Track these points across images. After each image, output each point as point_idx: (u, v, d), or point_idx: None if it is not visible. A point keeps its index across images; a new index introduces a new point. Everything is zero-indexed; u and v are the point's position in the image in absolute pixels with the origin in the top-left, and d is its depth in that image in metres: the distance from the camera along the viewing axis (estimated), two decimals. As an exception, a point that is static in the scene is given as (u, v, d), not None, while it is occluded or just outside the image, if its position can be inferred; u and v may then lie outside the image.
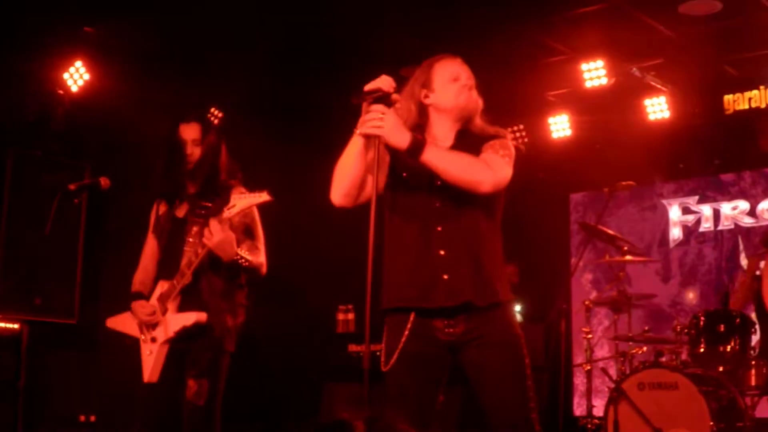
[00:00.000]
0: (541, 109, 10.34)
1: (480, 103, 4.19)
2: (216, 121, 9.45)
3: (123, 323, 5.26)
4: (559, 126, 10.33)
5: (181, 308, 5.01)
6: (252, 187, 5.05)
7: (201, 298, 5.01)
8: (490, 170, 3.96)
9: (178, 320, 4.99)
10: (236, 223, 5.06)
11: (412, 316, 4.01)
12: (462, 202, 4.00)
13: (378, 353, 4.01)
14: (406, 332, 4.00)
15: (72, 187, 5.22)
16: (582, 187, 10.95)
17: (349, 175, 4.04)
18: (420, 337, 4.01)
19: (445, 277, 3.97)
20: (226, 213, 4.91)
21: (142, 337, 5.11)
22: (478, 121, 4.19)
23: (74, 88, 8.65)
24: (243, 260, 5.07)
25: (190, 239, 5.03)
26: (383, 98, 3.92)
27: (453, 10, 8.03)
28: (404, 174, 4.10)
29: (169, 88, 9.20)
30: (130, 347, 5.21)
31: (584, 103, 10.06)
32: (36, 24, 8.02)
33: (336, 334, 9.68)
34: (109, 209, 8.81)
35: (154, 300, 5.09)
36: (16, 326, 8.16)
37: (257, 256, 5.20)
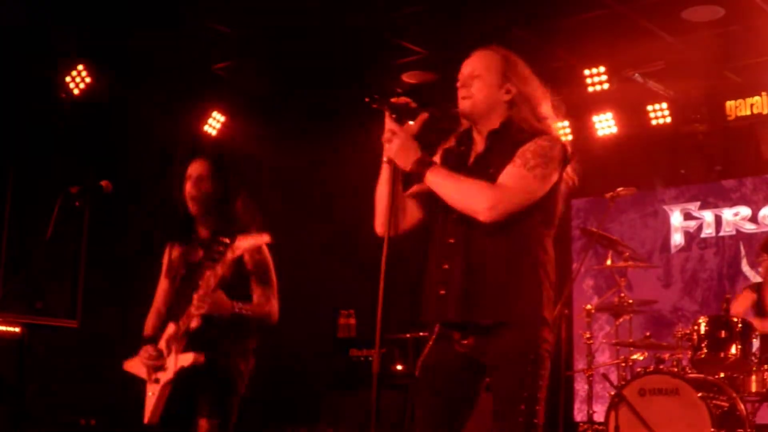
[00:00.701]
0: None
1: (488, 95, 3.90)
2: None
3: (135, 366, 5.23)
4: (561, 131, 10.31)
5: (186, 350, 4.97)
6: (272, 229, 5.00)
7: (212, 340, 4.96)
8: (491, 198, 3.68)
9: (177, 361, 4.98)
10: (248, 265, 5.06)
11: (436, 327, 3.89)
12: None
13: (370, 359, 3.95)
14: (430, 342, 3.89)
15: (74, 190, 5.20)
16: (584, 193, 10.94)
17: (384, 204, 3.87)
18: (441, 348, 3.87)
19: (442, 292, 3.80)
20: (229, 255, 4.85)
21: (148, 378, 5.11)
22: (518, 115, 3.91)
23: (76, 92, 8.68)
24: (244, 311, 5.01)
25: (203, 283, 4.93)
26: (407, 111, 3.82)
27: (455, 16, 8.04)
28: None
29: (173, 91, 9.24)
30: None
31: (586, 109, 10.07)
32: (38, 27, 8.04)
33: (337, 338, 9.68)
34: (111, 213, 8.81)
35: (162, 343, 5.07)
36: (17, 329, 8.16)
37: (264, 306, 5.13)
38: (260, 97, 9.76)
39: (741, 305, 7.87)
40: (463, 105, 3.91)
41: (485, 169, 3.81)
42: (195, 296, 4.89)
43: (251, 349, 5.17)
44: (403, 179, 3.96)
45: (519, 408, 3.68)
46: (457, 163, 3.94)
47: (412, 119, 3.87)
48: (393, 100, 3.81)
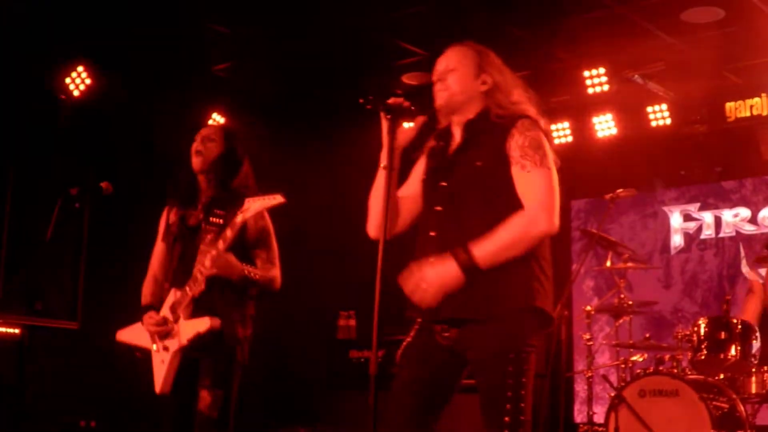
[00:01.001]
0: (543, 116, 10.33)
1: (464, 87, 3.93)
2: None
3: (134, 335, 5.19)
4: (561, 132, 10.34)
5: (193, 315, 4.93)
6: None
7: (213, 306, 4.92)
8: (538, 218, 3.78)
9: (191, 326, 4.90)
10: (251, 232, 5.05)
11: (419, 319, 3.88)
12: (466, 207, 3.80)
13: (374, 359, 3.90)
14: (412, 332, 3.89)
15: (74, 191, 5.21)
16: (583, 194, 10.95)
17: (379, 208, 3.83)
18: (423, 340, 3.87)
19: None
20: (240, 217, 4.84)
21: (155, 347, 5.04)
22: (494, 103, 3.92)
23: (76, 93, 8.69)
24: (252, 274, 4.98)
25: (203, 247, 4.92)
26: (402, 112, 3.81)
27: (454, 17, 8.04)
28: (424, 177, 3.99)
29: (173, 92, 9.24)
30: (141, 360, 5.15)
31: (586, 110, 10.07)
32: (38, 29, 8.04)
33: (337, 340, 9.68)
34: (111, 214, 8.81)
35: (166, 309, 5.02)
36: (17, 331, 8.17)
37: (269, 270, 5.11)
38: (260, 99, 9.76)
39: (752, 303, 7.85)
40: (440, 98, 3.94)
41: (471, 163, 3.83)
42: (205, 258, 4.84)
43: (249, 315, 5.10)
44: (399, 185, 3.97)
45: (504, 407, 3.67)
46: (440, 160, 3.96)
47: (408, 120, 3.89)
48: (388, 101, 3.80)
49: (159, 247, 5.26)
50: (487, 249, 3.68)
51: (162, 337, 5.01)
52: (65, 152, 8.72)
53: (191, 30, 8.38)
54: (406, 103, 3.82)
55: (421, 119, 3.89)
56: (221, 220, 4.95)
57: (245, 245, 5.06)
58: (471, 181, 3.83)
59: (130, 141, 9.07)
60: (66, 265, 8.52)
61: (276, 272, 5.14)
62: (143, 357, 5.13)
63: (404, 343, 3.91)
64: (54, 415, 8.46)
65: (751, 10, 8.08)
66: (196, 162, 5.14)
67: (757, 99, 9.40)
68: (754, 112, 9.42)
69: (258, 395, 9.39)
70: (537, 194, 3.81)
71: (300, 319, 10.02)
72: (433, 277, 3.68)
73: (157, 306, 5.09)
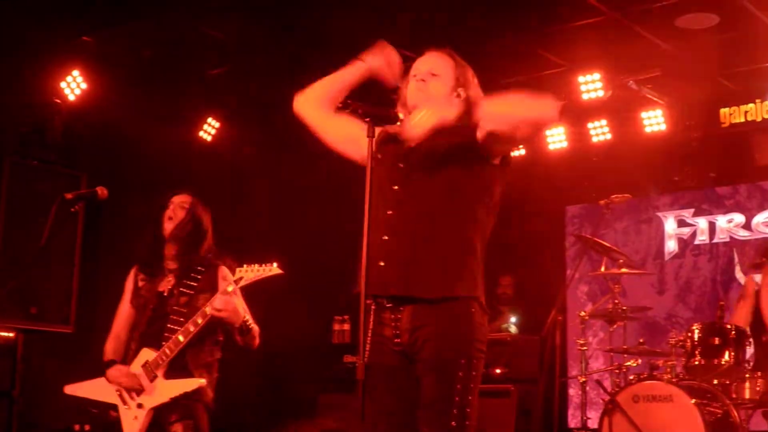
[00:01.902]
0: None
1: (442, 95, 4.00)
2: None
3: (88, 389, 5.37)
4: (556, 138, 10.35)
5: (169, 376, 5.11)
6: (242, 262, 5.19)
7: (186, 367, 5.12)
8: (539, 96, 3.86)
9: (174, 387, 5.08)
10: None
11: (372, 309, 3.86)
12: (423, 187, 3.85)
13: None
14: (370, 332, 3.82)
15: (69, 196, 5.20)
16: (578, 200, 10.97)
17: (330, 88, 4.09)
18: (377, 348, 3.82)
19: (381, 263, 3.78)
20: (232, 287, 5.04)
21: (124, 403, 5.19)
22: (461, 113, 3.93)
23: (71, 97, 8.68)
24: (250, 323, 5.19)
25: (177, 308, 5.13)
26: (381, 118, 3.86)
27: (449, 21, 8.04)
28: (379, 155, 3.94)
29: (167, 97, 9.23)
30: (97, 416, 5.32)
31: (581, 116, 10.08)
32: (34, 33, 8.04)
33: (332, 344, 9.69)
34: (105, 219, 8.81)
35: (137, 368, 5.16)
36: (11, 335, 8.15)
37: (256, 325, 5.30)
38: (255, 102, 9.75)
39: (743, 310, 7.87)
40: (418, 98, 3.97)
41: (435, 149, 3.86)
42: (212, 302, 5.01)
43: (217, 359, 5.29)
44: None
45: (452, 412, 3.72)
46: (396, 149, 3.99)
47: (388, 123, 3.94)
48: (365, 105, 3.85)
49: (126, 308, 5.41)
50: (497, 100, 3.85)
51: (132, 392, 5.17)
52: (60, 157, 8.72)
53: (186, 35, 8.38)
54: (384, 112, 3.89)
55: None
56: (195, 284, 5.17)
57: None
58: (431, 164, 3.89)
59: (126, 146, 9.06)
60: (61, 269, 8.50)
61: (257, 329, 5.32)
62: (101, 412, 5.30)
63: (362, 353, 3.73)
64: (48, 419, 8.45)
65: (746, 17, 8.10)
66: (167, 227, 5.32)
67: (751, 105, 9.41)
68: (749, 118, 9.43)
69: (252, 398, 9.39)
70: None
71: (295, 324, 10.02)
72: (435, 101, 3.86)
73: (119, 362, 5.26)
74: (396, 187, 3.89)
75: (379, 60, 4.02)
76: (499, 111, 3.82)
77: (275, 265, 5.04)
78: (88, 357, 8.44)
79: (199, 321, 5.03)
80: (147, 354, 5.15)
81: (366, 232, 3.68)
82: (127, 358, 5.25)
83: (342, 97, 4.04)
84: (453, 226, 3.85)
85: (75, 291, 8.61)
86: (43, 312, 8.29)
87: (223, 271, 5.21)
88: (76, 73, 8.66)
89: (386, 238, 3.82)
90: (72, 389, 5.48)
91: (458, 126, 3.84)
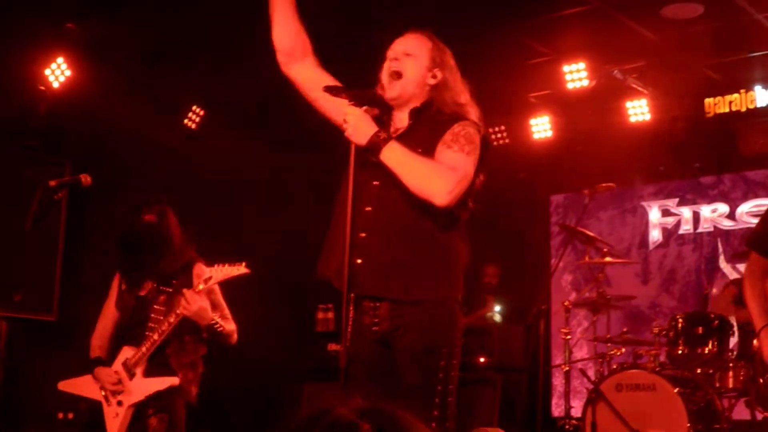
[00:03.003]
0: (523, 111, 10.36)
1: (417, 75, 3.99)
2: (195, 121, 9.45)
3: (79, 386, 5.48)
4: (541, 127, 10.35)
5: (148, 373, 5.22)
6: (209, 257, 5.30)
7: (168, 364, 5.22)
8: (451, 181, 3.73)
9: (149, 385, 5.20)
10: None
11: (351, 298, 3.80)
12: (400, 184, 3.79)
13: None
14: (350, 322, 3.80)
15: (52, 183, 5.19)
16: (562, 189, 10.99)
17: (278, 27, 4.15)
18: (357, 337, 3.80)
19: (359, 261, 3.75)
20: (203, 285, 5.11)
21: (107, 401, 5.31)
22: (439, 98, 3.99)
23: (56, 85, 8.64)
24: (218, 326, 5.28)
25: (157, 307, 5.24)
26: (366, 99, 3.88)
27: (435, 11, 8.03)
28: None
29: (153, 85, 9.20)
30: (86, 411, 5.47)
31: (565, 105, 10.09)
32: (18, 20, 8.00)
33: (316, 333, 9.67)
34: (89, 206, 8.78)
35: (118, 366, 5.28)
36: (-4, 323, 8.12)
37: (228, 324, 5.40)
38: (243, 97, 9.71)
39: (723, 300, 7.93)
40: (393, 84, 3.98)
41: (414, 149, 3.84)
42: (182, 300, 5.10)
43: (201, 356, 5.37)
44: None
45: (434, 401, 3.74)
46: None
47: (369, 105, 3.91)
48: (351, 90, 3.88)
49: (111, 310, 5.50)
50: (401, 150, 3.78)
51: (115, 393, 5.29)
52: (44, 144, 8.69)
53: (170, 21, 8.35)
54: (364, 93, 3.91)
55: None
56: (175, 281, 5.27)
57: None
58: None
59: (110, 133, 9.02)
60: (44, 257, 8.48)
61: (234, 327, 5.45)
62: (88, 407, 5.45)
63: (344, 341, 3.77)
64: (32, 407, 8.43)
65: (731, 7, 8.12)
66: (142, 245, 5.37)
67: (736, 95, 9.43)
68: (733, 108, 9.45)
69: (236, 388, 9.38)
70: (458, 168, 3.79)
71: (278, 312, 10.00)
72: (354, 120, 3.79)
73: (105, 360, 5.38)
74: (376, 183, 3.88)
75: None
76: (393, 169, 3.78)
77: (244, 264, 5.10)
78: (71, 345, 8.47)
79: (172, 320, 5.13)
80: (127, 352, 5.27)
81: (348, 231, 3.70)
82: (111, 355, 5.38)
83: (294, 23, 4.13)
84: (430, 224, 3.84)
85: (58, 279, 8.59)
86: (27, 300, 8.26)
87: (198, 268, 5.28)
88: (60, 60, 8.61)
89: (363, 235, 3.80)
90: (65, 386, 5.59)
91: (432, 128, 3.89)
